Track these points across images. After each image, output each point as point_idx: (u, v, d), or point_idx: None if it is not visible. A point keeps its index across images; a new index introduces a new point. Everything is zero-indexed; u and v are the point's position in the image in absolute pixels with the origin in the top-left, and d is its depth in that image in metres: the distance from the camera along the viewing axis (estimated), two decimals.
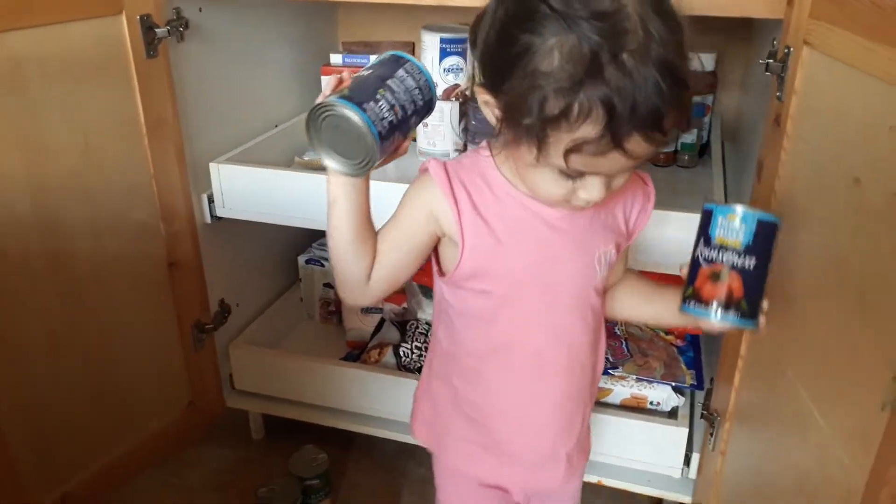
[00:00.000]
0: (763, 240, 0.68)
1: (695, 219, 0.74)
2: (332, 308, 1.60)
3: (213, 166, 1.27)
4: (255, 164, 1.28)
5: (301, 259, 1.59)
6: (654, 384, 1.25)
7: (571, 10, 0.57)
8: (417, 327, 1.44)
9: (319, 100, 0.67)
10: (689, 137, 1.43)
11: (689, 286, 0.71)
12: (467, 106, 1.41)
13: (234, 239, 1.43)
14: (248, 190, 1.28)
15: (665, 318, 0.84)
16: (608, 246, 0.78)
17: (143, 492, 1.40)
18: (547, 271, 0.75)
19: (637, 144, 0.60)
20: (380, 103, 0.66)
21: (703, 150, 1.50)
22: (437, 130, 1.42)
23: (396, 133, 0.68)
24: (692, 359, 1.30)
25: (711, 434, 1.14)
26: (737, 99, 1.58)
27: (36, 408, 1.12)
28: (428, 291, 1.46)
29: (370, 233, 0.75)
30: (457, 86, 1.41)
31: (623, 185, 0.68)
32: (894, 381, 0.68)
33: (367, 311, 1.52)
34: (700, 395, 1.26)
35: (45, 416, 1.14)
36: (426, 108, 0.72)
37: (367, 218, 0.75)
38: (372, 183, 0.74)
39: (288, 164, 1.41)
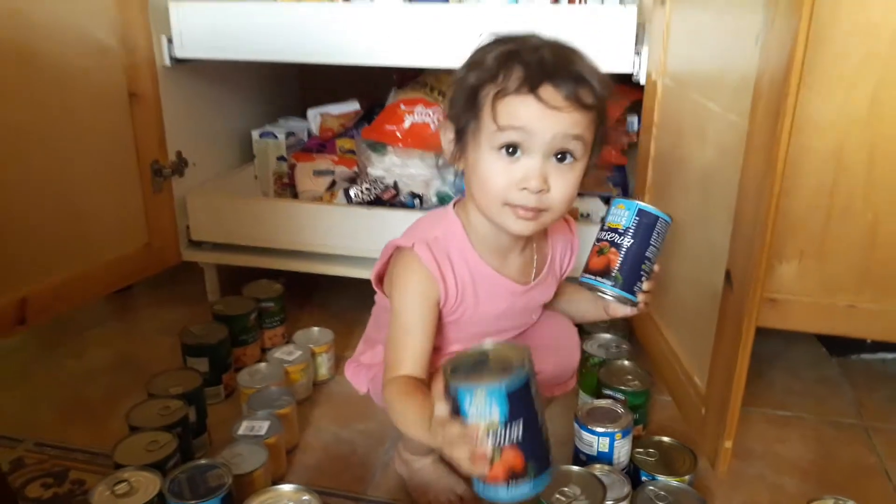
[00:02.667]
0: (643, 226, 0.82)
1: None
2: (286, 180, 1.67)
3: (171, 5, 1.37)
4: None
5: (255, 133, 1.67)
6: (584, 197, 1.36)
7: (494, 43, 0.81)
8: (367, 176, 1.53)
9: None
10: None
11: (586, 262, 0.86)
12: None
13: (193, 92, 1.52)
14: (206, 29, 1.38)
15: (585, 311, 1.00)
16: (549, 295, 0.98)
17: (98, 338, 1.45)
18: (503, 317, 0.93)
19: (550, 95, 0.76)
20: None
21: None
22: None
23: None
24: (618, 181, 1.42)
25: None
26: None
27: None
28: (375, 146, 1.55)
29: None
30: None
31: (562, 201, 0.81)
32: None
33: (318, 173, 1.61)
34: None
35: (8, 218, 1.18)
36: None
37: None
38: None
39: None
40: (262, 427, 1.04)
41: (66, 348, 1.41)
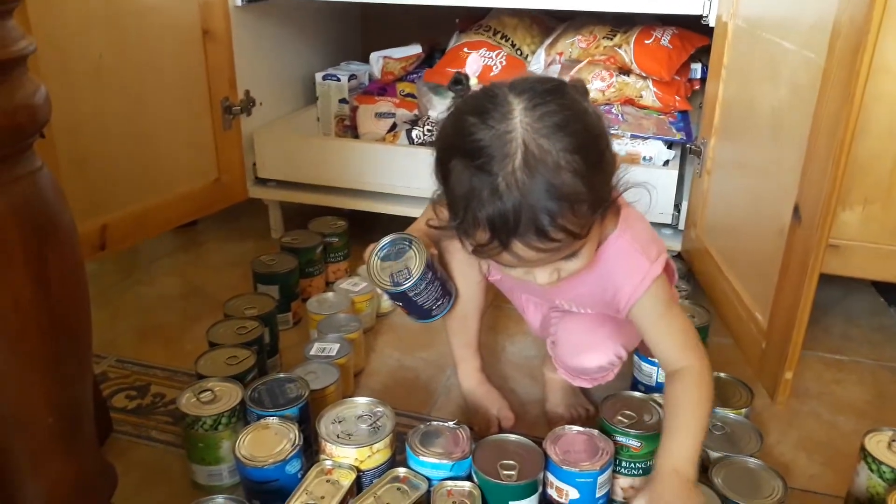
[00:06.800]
0: (396, 297, 0.92)
1: None
2: (347, 122, 1.71)
3: None
4: None
5: (318, 76, 1.70)
6: (648, 140, 1.37)
7: (460, 140, 0.70)
8: (428, 118, 1.55)
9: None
10: None
11: None
12: None
13: (261, 33, 1.56)
14: None
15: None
16: (568, 300, 0.92)
17: (168, 267, 1.52)
18: (521, 287, 0.96)
19: (523, 250, 0.69)
20: None
21: None
22: None
23: None
24: (682, 126, 1.42)
25: (699, 164, 1.26)
26: None
27: (81, 134, 1.22)
28: (437, 89, 1.57)
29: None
30: None
31: (579, 271, 0.77)
32: None
33: (380, 115, 1.64)
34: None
35: (90, 148, 1.24)
36: None
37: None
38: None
39: None
40: (333, 349, 1.09)
41: (140, 276, 1.49)
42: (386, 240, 0.89)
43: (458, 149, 0.70)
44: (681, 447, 0.78)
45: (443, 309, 0.95)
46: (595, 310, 0.91)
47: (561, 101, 0.69)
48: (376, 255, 0.89)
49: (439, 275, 0.91)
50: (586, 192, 0.68)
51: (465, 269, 0.96)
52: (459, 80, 0.81)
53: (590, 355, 0.91)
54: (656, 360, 1.02)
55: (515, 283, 0.96)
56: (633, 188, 0.79)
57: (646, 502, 0.77)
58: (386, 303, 1.34)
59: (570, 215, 0.68)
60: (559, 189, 0.66)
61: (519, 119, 0.67)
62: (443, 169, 0.73)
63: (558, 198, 0.66)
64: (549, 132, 0.67)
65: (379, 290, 0.92)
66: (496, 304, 1.29)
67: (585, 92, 0.75)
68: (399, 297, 0.90)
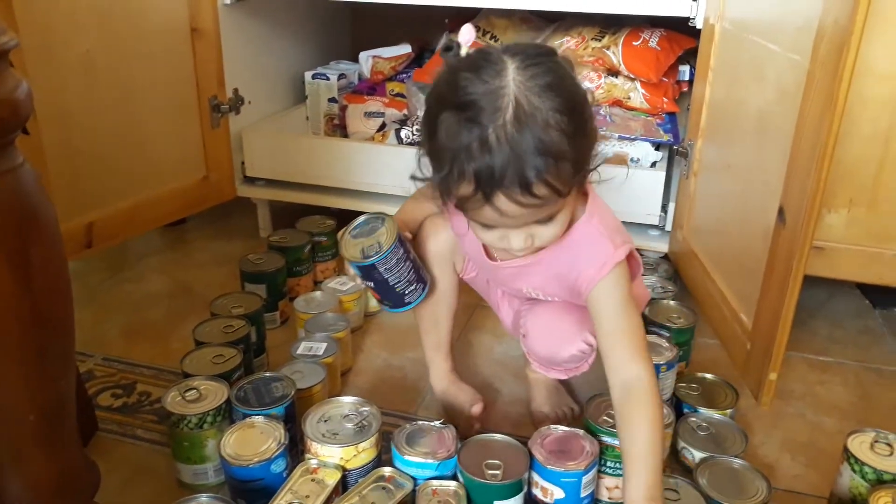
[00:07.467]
0: (365, 272, 0.91)
1: None
2: (336, 122, 1.71)
3: None
4: None
5: (308, 74, 1.70)
6: (635, 142, 1.37)
7: (452, 94, 0.71)
8: (417, 118, 1.55)
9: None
10: None
11: None
12: None
13: (250, 32, 1.55)
14: None
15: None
16: (535, 288, 0.92)
17: (156, 266, 1.52)
18: (492, 279, 0.99)
19: (506, 204, 0.71)
20: None
21: None
22: None
23: None
24: (669, 128, 1.43)
25: (685, 166, 1.26)
26: None
27: (67, 131, 1.21)
28: (426, 88, 1.57)
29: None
30: None
31: (553, 240, 0.80)
32: None
33: (369, 114, 1.63)
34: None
35: (77, 145, 1.23)
36: None
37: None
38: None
39: None
40: (320, 348, 1.09)
41: (127, 274, 1.48)
42: (359, 219, 0.92)
43: (450, 101, 0.71)
44: (647, 475, 0.77)
45: (416, 296, 0.94)
46: (561, 297, 0.92)
47: (552, 65, 0.72)
48: (349, 232, 0.91)
49: (411, 256, 0.92)
50: (571, 152, 0.70)
51: (441, 265, 0.97)
52: (450, 47, 0.82)
53: (559, 344, 0.92)
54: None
55: (489, 275, 0.97)
56: (611, 161, 0.80)
57: None
58: (374, 301, 1.34)
59: (554, 171, 0.70)
60: (547, 145, 0.69)
61: (512, 77, 0.70)
62: (432, 122, 0.74)
63: (545, 153, 0.69)
64: (540, 91, 0.69)
65: (349, 267, 0.91)
66: (482, 304, 1.29)
67: (572, 65, 0.77)
68: (369, 273, 0.89)
